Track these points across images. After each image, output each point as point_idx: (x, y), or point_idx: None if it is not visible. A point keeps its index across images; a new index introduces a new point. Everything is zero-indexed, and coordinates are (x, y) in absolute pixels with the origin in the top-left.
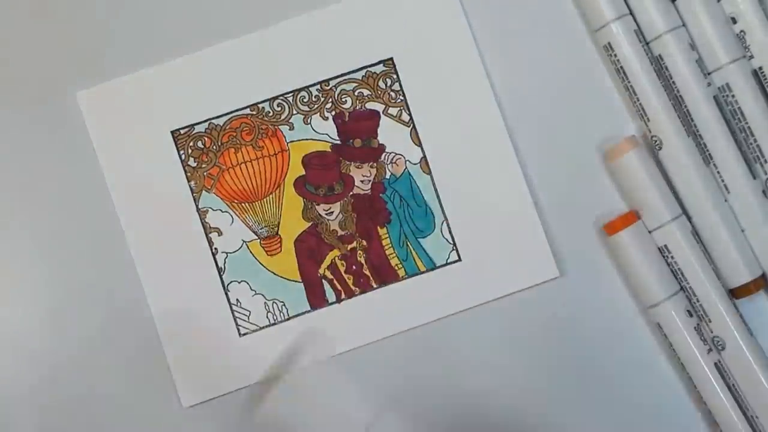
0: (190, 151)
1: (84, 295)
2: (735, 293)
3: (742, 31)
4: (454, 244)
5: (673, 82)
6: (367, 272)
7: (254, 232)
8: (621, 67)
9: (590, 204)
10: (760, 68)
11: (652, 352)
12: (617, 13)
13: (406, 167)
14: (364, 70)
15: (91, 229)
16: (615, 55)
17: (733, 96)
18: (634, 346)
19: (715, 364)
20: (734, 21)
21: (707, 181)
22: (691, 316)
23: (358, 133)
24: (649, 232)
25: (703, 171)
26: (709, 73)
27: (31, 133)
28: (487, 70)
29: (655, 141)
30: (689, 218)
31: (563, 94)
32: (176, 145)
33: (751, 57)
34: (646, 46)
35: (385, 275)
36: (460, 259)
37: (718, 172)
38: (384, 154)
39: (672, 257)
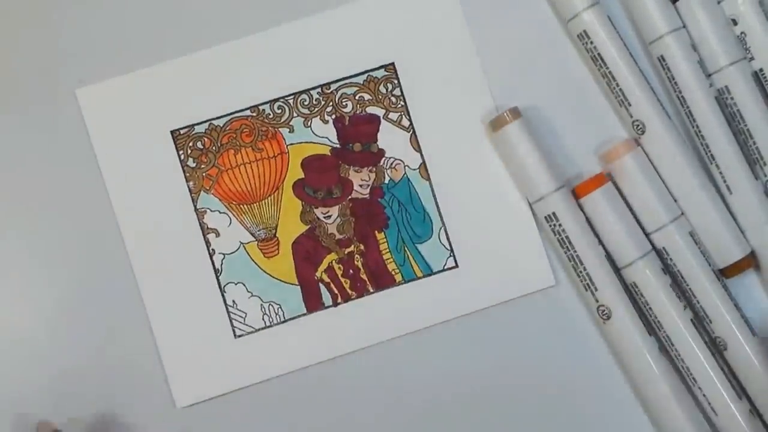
0: (189, 151)
1: (79, 293)
2: (725, 272)
3: (742, 32)
4: (452, 251)
5: (675, 83)
6: (364, 276)
7: (252, 233)
8: (598, 54)
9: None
10: (761, 70)
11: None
12: (590, 2)
13: (405, 172)
14: (366, 75)
15: (88, 227)
16: (591, 43)
17: (732, 98)
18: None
19: (714, 362)
20: (735, 23)
21: (691, 162)
22: (685, 308)
23: (357, 137)
24: (647, 235)
25: (687, 152)
26: (709, 75)
27: (30, 129)
28: (487, 76)
29: (638, 126)
30: (675, 200)
31: (563, 98)
32: (176, 145)
33: (752, 59)
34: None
35: (382, 280)
36: (457, 266)
37: (720, 173)
38: (383, 158)
39: (671, 260)
